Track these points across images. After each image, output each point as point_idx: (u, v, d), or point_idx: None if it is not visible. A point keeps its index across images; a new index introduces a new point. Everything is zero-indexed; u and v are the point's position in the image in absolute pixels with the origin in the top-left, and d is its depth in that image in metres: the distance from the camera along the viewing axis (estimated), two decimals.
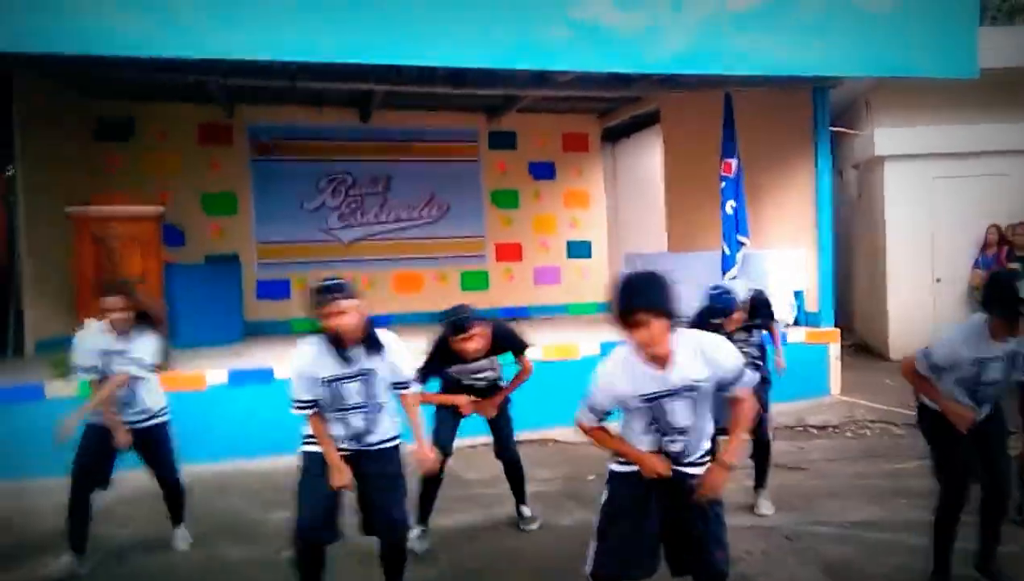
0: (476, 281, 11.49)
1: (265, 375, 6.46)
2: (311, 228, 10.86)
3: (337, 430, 3.33)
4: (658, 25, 6.41)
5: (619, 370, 2.72)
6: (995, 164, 9.38)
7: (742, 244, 8.26)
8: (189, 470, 5.82)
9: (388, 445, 3.42)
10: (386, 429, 3.42)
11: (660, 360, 2.65)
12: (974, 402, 3.52)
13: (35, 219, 8.07)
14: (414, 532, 4.15)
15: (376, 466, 3.36)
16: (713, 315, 4.39)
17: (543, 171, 11.85)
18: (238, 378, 6.41)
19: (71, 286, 7.85)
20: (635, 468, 2.79)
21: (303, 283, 10.28)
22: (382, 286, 10.97)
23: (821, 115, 8.10)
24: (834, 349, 8.02)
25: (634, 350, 2.65)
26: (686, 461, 2.80)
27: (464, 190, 11.49)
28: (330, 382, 3.25)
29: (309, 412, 3.29)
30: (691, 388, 2.68)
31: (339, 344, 3.23)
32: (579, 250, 11.97)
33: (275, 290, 10.61)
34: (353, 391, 3.28)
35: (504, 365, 4.56)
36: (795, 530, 4.47)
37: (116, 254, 7.04)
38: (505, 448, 4.56)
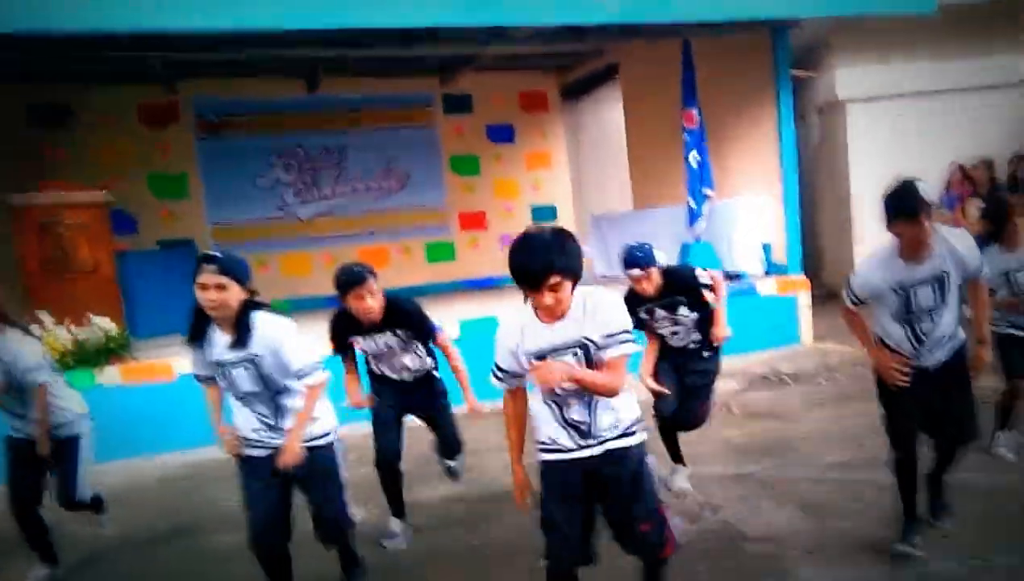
0: (442, 252, 11.30)
1: None
2: (267, 206, 10.54)
3: (241, 419, 3.11)
4: None
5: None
6: (958, 101, 9.36)
7: (707, 197, 8.19)
8: (163, 460, 5.84)
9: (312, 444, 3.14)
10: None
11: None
12: (915, 341, 3.32)
13: None
14: (395, 527, 4.01)
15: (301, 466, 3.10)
16: (628, 267, 4.04)
17: (502, 134, 11.61)
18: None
19: (17, 279, 7.52)
20: (562, 456, 2.56)
21: (264, 264, 10.02)
22: (346, 262, 10.68)
23: (781, 58, 7.98)
24: (804, 297, 8.02)
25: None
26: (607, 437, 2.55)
27: (422, 157, 11.22)
28: (218, 365, 3.00)
29: (203, 385, 3.13)
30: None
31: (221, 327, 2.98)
32: (544, 214, 11.77)
33: None
34: (244, 377, 2.99)
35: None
36: (771, 475, 4.53)
37: (64, 243, 6.71)
38: (449, 448, 4.24)
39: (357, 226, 10.87)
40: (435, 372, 4.09)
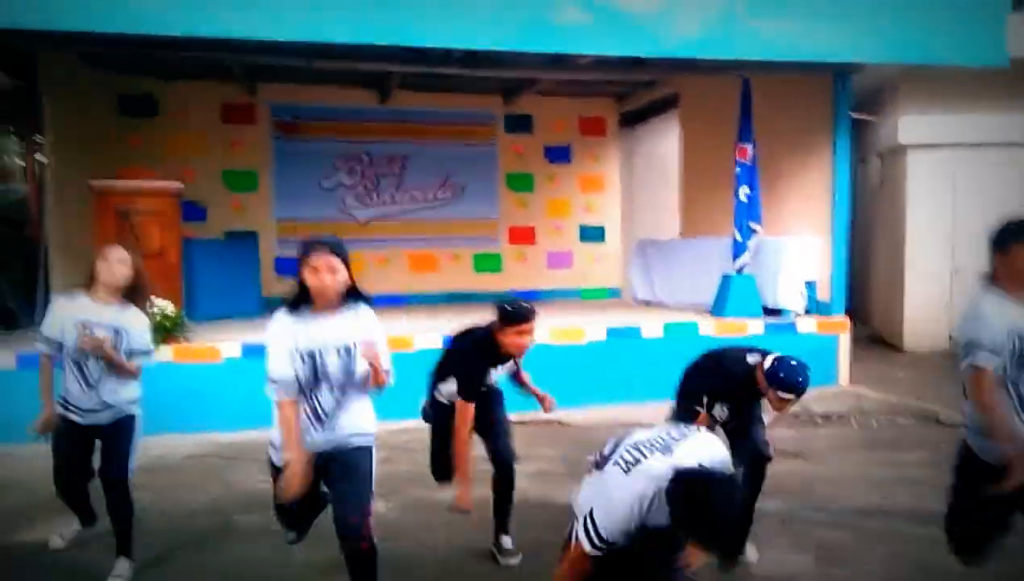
0: (489, 263, 11.56)
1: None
2: (328, 206, 10.99)
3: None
4: (673, 8, 6.38)
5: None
6: (1019, 155, 9.27)
7: (754, 231, 8.24)
8: (196, 439, 6.14)
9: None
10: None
11: None
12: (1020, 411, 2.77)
13: (62, 194, 8.32)
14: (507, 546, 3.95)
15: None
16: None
17: (559, 155, 11.86)
18: (253, 351, 6.54)
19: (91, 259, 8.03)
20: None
21: None
22: (397, 265, 11.13)
23: (841, 102, 8.00)
24: (844, 339, 7.99)
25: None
26: None
27: (479, 172, 11.53)
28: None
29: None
30: None
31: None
32: (592, 234, 11.98)
33: (292, 266, 10.66)
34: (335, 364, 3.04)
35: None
36: (790, 515, 4.50)
37: (136, 228, 7.21)
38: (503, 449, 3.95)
39: (411, 231, 11.26)
40: None
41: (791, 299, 8.26)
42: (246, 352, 6.55)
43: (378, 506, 3.72)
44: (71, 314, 3.72)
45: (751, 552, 3.92)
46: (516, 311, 3.63)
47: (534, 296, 11.00)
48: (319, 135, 10.88)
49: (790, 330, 7.89)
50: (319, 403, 3.02)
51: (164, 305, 6.42)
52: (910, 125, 9.37)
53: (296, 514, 3.27)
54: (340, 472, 3.05)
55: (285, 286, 10.11)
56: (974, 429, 2.97)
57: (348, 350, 2.99)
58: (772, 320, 7.99)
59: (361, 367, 3.00)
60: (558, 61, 8.28)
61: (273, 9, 5.71)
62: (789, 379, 3.53)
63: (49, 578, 3.87)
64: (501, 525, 3.96)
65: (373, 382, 3.02)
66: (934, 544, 3.83)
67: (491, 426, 3.92)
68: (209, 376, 6.51)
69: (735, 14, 6.47)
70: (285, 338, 2.98)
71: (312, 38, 6.06)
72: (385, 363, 2.98)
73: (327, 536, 3.53)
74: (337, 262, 2.94)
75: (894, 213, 9.87)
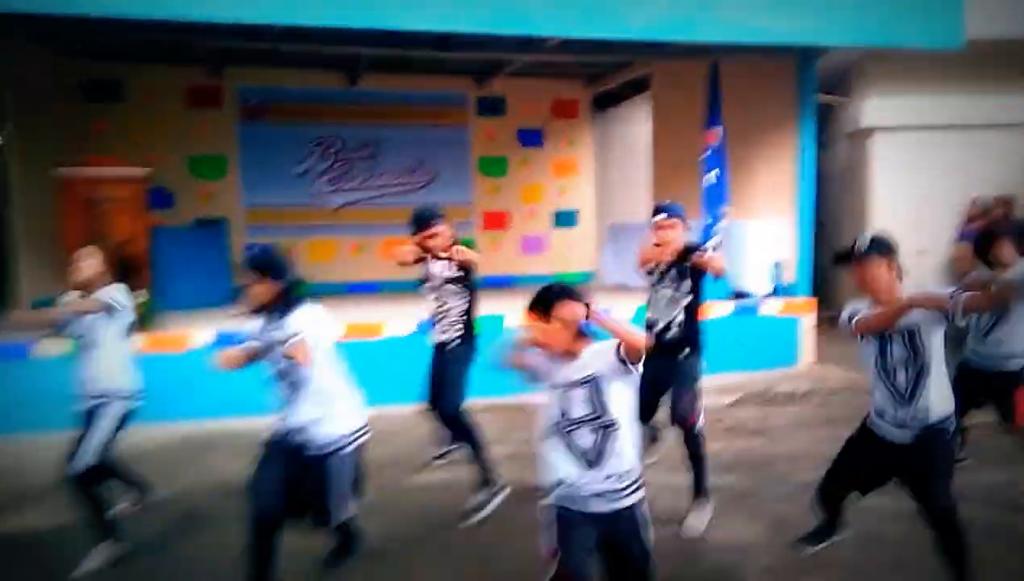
0: None
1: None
2: (299, 193, 10.92)
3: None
4: None
5: None
6: (981, 137, 9.45)
7: (723, 214, 8.33)
8: (162, 429, 6.06)
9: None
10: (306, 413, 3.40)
11: None
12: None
13: (27, 181, 8.17)
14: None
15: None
16: (655, 213, 4.39)
17: (532, 138, 11.87)
18: (227, 340, 6.53)
19: (61, 247, 7.94)
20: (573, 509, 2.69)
21: (291, 248, 10.38)
22: (370, 253, 11.05)
23: (806, 85, 8.17)
24: (809, 319, 8.15)
25: None
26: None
27: (452, 157, 11.51)
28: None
29: None
30: None
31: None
32: (566, 219, 12.04)
33: None
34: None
35: None
36: (746, 489, 4.66)
37: (102, 215, 7.15)
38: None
39: (384, 217, 11.16)
40: None
41: (757, 281, 8.40)
42: (221, 340, 6.50)
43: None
44: None
45: (695, 520, 4.17)
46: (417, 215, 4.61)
47: (508, 282, 11.06)
48: (288, 119, 10.77)
49: (753, 312, 8.03)
50: (282, 396, 3.38)
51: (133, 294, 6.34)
52: (874, 108, 9.51)
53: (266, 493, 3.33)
54: (304, 473, 3.36)
55: None
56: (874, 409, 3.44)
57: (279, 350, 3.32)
58: (738, 303, 8.12)
59: (290, 363, 3.29)
60: (528, 43, 8.29)
61: None
62: None
63: (34, 563, 3.89)
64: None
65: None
66: (883, 516, 4.05)
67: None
68: (181, 365, 6.45)
69: None
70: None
71: (280, 20, 6.04)
72: (300, 355, 3.22)
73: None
74: (257, 276, 3.33)
75: (859, 195, 10.03)
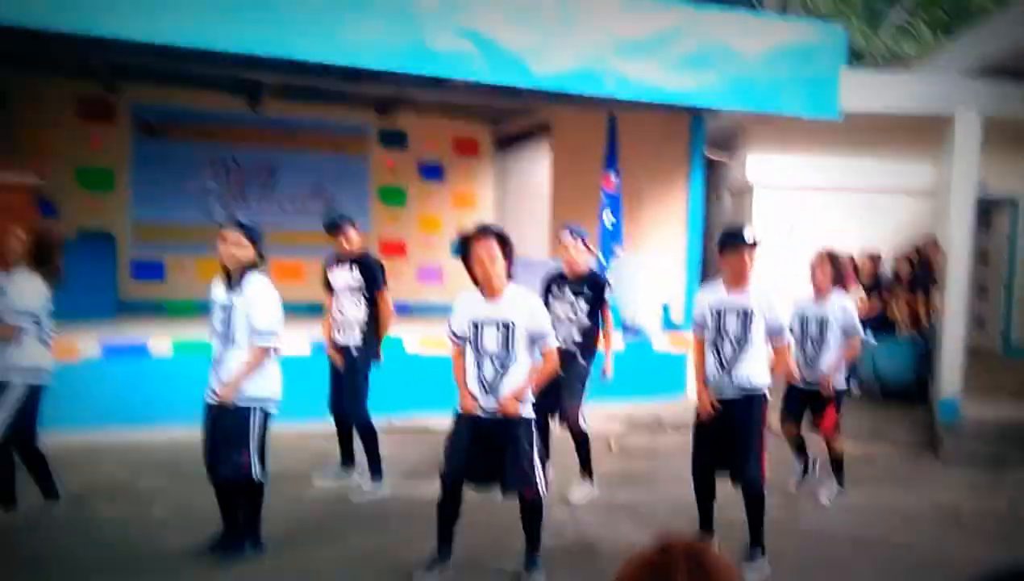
0: None
1: (140, 350, 6.70)
2: (192, 210, 10.61)
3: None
4: (548, 43, 6.70)
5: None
6: (854, 200, 10.14)
7: (616, 255, 8.73)
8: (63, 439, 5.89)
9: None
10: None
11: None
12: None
13: None
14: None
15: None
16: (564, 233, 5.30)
17: (432, 172, 12.02)
18: (113, 351, 6.60)
19: None
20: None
21: (180, 265, 10.12)
22: (262, 272, 10.79)
23: (697, 141, 8.74)
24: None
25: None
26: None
27: (351, 184, 11.49)
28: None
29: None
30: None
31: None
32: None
33: (149, 271, 10.34)
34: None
35: None
36: (635, 503, 5.15)
37: None
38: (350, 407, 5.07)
39: (277, 240, 10.91)
40: None
41: (647, 318, 8.82)
42: (107, 352, 6.56)
43: None
44: None
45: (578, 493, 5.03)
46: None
47: (404, 309, 11.05)
48: (185, 138, 10.51)
49: (645, 346, 8.41)
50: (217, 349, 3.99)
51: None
52: (755, 165, 10.16)
53: None
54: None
55: (144, 290, 9.99)
56: None
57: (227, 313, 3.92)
58: (628, 336, 8.51)
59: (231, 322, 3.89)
60: (434, 82, 8.43)
61: (143, 8, 5.57)
62: None
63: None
64: None
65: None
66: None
67: None
68: (64, 375, 6.20)
69: (605, 55, 6.90)
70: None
71: (187, 43, 5.92)
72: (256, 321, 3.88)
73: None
74: (241, 238, 3.92)
75: None
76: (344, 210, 11.30)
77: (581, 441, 5.13)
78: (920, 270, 9.08)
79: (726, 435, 4.03)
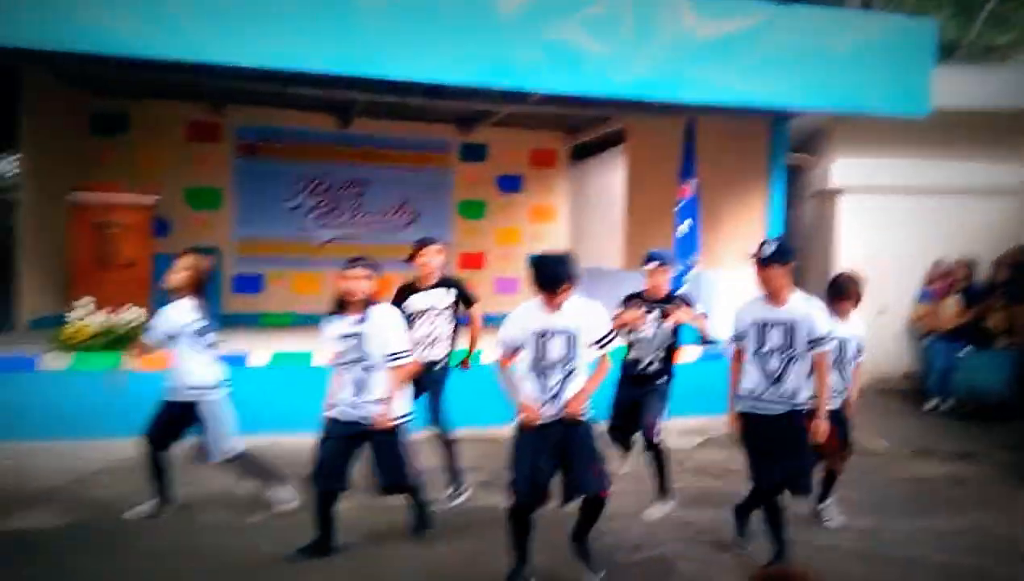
0: None
1: (239, 360, 6.87)
2: (289, 227, 11.28)
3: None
4: (626, 50, 6.75)
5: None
6: (945, 202, 9.62)
7: (694, 263, 8.47)
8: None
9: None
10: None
11: None
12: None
13: (34, 205, 8.46)
14: None
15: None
16: (648, 262, 5.32)
17: (510, 184, 12.32)
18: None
19: (64, 269, 8.28)
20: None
21: (279, 279, 10.75)
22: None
23: (778, 145, 8.42)
24: None
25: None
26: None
27: (434, 198, 11.93)
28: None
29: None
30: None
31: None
32: None
33: (250, 284, 11.01)
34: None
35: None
36: (711, 523, 4.87)
37: (110, 240, 7.40)
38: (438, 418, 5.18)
39: (365, 253, 11.42)
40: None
41: (725, 330, 8.61)
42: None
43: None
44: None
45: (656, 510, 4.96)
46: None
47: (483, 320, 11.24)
48: (281, 157, 11.18)
49: (721, 358, 8.29)
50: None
51: (135, 315, 6.66)
52: (842, 169, 9.69)
53: None
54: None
55: (244, 303, 10.55)
56: None
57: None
58: (707, 349, 8.39)
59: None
60: (513, 95, 8.66)
61: (247, 36, 5.96)
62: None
63: (41, 559, 4.08)
64: None
65: None
66: (838, 552, 4.40)
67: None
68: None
69: (681, 59, 6.90)
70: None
71: (287, 66, 6.31)
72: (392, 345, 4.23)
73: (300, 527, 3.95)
74: (366, 272, 4.28)
75: (824, 254, 10.16)
76: (429, 224, 11.99)
77: (659, 457, 5.09)
78: (1020, 276, 8.61)
79: (777, 448, 4.11)
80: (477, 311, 5.48)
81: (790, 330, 4.08)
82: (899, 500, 5.53)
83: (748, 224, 8.92)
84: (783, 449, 4.07)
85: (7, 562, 3.99)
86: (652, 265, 5.12)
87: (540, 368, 3.81)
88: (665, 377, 5.12)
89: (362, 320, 4.11)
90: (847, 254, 9.79)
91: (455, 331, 5.40)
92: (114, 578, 3.87)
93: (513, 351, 3.88)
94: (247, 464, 4.78)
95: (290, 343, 7.56)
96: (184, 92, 9.69)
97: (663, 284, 5.20)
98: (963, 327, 8.64)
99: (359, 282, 4.16)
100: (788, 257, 4.09)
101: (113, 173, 9.81)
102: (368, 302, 4.15)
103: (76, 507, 4.81)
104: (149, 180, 9.85)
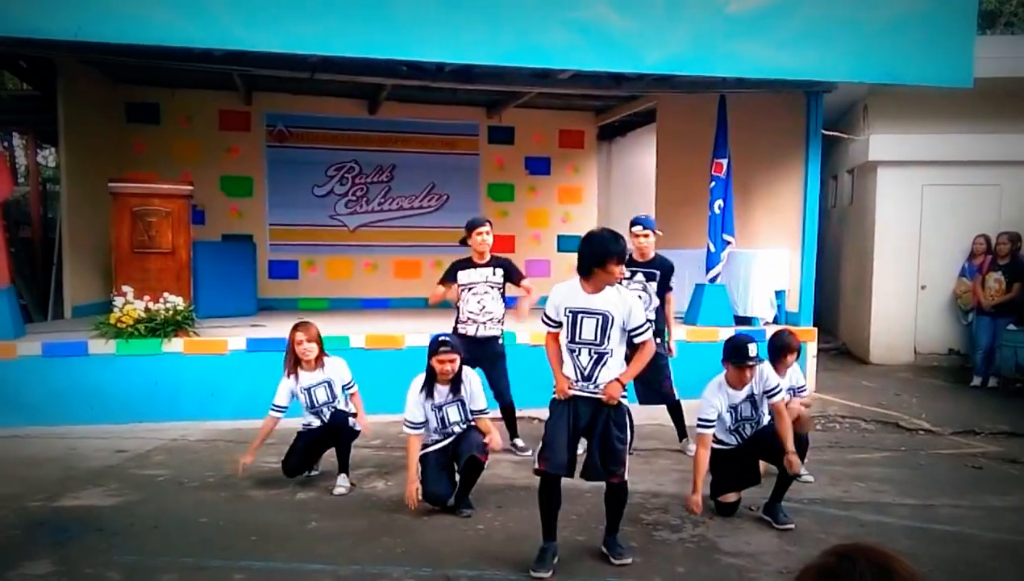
0: None
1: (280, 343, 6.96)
2: (320, 213, 11.36)
3: None
4: (655, 27, 6.63)
5: None
6: (986, 174, 9.41)
7: (728, 242, 8.34)
8: (210, 425, 6.51)
9: None
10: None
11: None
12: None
13: (74, 194, 8.66)
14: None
15: None
16: (633, 225, 5.91)
17: (539, 166, 12.27)
18: (257, 345, 6.95)
19: (106, 257, 8.46)
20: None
21: (312, 265, 10.87)
22: (384, 271, 11.48)
23: (814, 120, 8.19)
24: (810, 347, 8.15)
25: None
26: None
27: (463, 182, 11.92)
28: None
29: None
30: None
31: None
32: (569, 244, 12.29)
33: (285, 270, 11.11)
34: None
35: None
36: (754, 502, 4.77)
37: (151, 228, 7.56)
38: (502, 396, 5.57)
39: (397, 238, 11.61)
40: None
41: (761, 308, 8.53)
42: (251, 346, 6.93)
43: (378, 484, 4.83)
44: None
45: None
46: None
47: (510, 302, 11.23)
48: (311, 144, 11.24)
49: (759, 337, 8.18)
50: None
51: (176, 300, 6.77)
52: (880, 143, 9.47)
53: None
54: None
55: (280, 289, 10.63)
56: None
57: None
58: (743, 328, 8.29)
59: None
60: (541, 76, 8.59)
61: (279, 23, 5.97)
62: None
63: (93, 536, 4.17)
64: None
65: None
66: (885, 529, 4.31)
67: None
68: (217, 367, 6.83)
69: (713, 34, 6.75)
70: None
71: (317, 51, 6.36)
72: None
73: (343, 505, 4.04)
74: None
75: (863, 229, 10.03)
76: (458, 208, 11.98)
77: (676, 409, 5.70)
78: None
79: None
80: (526, 286, 5.89)
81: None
82: (946, 478, 5.44)
83: (784, 199, 8.77)
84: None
85: (67, 538, 4.10)
86: (636, 229, 5.58)
87: (574, 346, 3.83)
88: (659, 340, 5.36)
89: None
90: (885, 230, 9.66)
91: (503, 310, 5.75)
92: (169, 551, 3.94)
93: (557, 326, 3.89)
94: None
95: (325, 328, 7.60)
96: (214, 81, 9.80)
97: (647, 248, 5.63)
98: (1008, 303, 8.45)
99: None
100: (753, 361, 4.72)
101: (148, 163, 10.00)
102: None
103: (131, 485, 4.95)
104: (183, 169, 9.97)
